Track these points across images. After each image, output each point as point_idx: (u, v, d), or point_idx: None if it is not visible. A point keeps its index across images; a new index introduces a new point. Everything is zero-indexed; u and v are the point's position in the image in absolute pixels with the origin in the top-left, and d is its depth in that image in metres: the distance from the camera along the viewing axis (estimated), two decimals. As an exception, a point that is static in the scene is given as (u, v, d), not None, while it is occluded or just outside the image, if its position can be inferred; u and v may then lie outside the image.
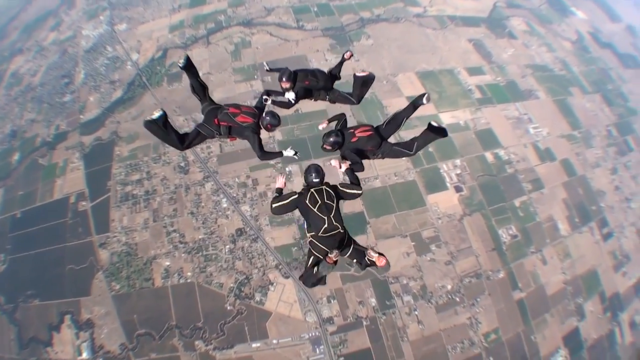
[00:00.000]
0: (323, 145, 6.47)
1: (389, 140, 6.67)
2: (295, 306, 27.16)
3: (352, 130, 6.51)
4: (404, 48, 41.60)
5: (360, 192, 6.11)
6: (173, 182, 31.92)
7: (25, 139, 37.78)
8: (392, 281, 28.13)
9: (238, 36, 41.59)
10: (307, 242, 5.86)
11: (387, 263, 5.69)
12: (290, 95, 7.02)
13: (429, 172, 32.76)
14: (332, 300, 27.31)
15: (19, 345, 27.27)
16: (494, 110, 37.75)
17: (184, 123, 34.09)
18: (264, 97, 6.91)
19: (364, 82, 7.20)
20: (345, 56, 7.76)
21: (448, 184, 32.43)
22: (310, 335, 26.44)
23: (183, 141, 6.03)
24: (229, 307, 27.10)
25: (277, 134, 32.48)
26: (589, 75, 45.59)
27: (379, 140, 6.50)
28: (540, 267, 30.71)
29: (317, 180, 5.87)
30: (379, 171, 31.97)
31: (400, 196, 31.26)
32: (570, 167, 36.35)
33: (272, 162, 31.87)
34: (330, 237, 5.63)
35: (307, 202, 5.66)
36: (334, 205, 5.71)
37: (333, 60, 36.51)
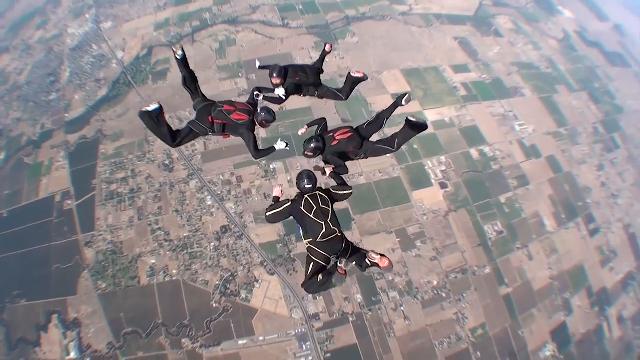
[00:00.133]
0: (304, 152, 6.45)
1: (370, 139, 6.69)
2: (281, 303, 27.15)
3: (332, 134, 6.52)
4: (389, 46, 41.76)
5: (350, 191, 6.18)
6: (158, 180, 31.82)
7: (11, 138, 37.53)
8: (378, 277, 28.18)
9: (223, 34, 41.59)
10: (305, 249, 5.80)
11: (390, 263, 5.60)
12: (280, 92, 6.97)
13: (413, 168, 32.87)
14: (317, 297, 27.24)
15: (8, 347, 27.04)
16: (480, 108, 37.96)
17: (168, 121, 33.35)
18: (256, 92, 6.84)
19: (355, 82, 7.29)
20: (326, 49, 7.75)
21: (433, 181, 32.54)
22: (296, 331, 26.43)
23: (175, 138, 5.99)
24: (214, 305, 27.04)
25: (262, 131, 32.39)
26: (576, 74, 45.99)
27: (359, 141, 6.53)
28: (526, 263, 30.92)
29: (310, 186, 5.77)
30: (364, 168, 32.00)
31: (385, 193, 31.34)
32: (556, 164, 36.65)
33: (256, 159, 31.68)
34: (329, 241, 5.59)
35: (302, 208, 5.61)
36: (330, 209, 5.70)
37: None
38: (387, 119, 6.72)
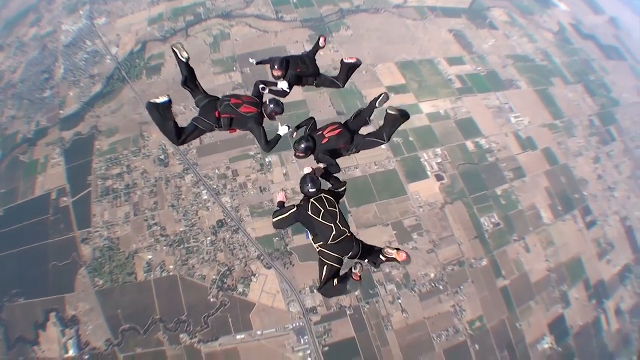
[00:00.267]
0: (295, 153, 6.41)
1: (359, 132, 6.70)
2: (278, 297, 27.07)
3: (321, 132, 6.47)
4: (383, 38, 41.67)
5: (346, 186, 6.31)
6: (153, 175, 31.65)
7: (6, 136, 37.26)
8: (375, 270, 28.08)
9: (217, 28, 41.42)
10: (317, 252, 5.78)
11: (408, 256, 5.66)
12: (283, 85, 6.88)
13: (409, 160, 32.82)
14: (314, 290, 27.09)
15: (7, 346, 26.79)
16: (475, 100, 37.97)
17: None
18: (261, 85, 6.74)
19: (350, 68, 7.29)
20: (319, 43, 7.59)
21: (429, 173, 32.50)
22: (294, 325, 26.36)
23: (180, 135, 5.83)
24: (212, 299, 26.93)
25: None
26: (571, 66, 46.08)
27: (349, 136, 6.50)
28: (523, 255, 30.95)
29: (314, 190, 5.68)
30: (359, 160, 31.90)
31: (380, 185, 31.29)
32: (552, 156, 36.71)
33: (251, 152, 32.01)
34: (340, 243, 5.60)
35: (309, 213, 5.59)
36: (337, 210, 5.70)
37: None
38: (369, 117, 6.78)
